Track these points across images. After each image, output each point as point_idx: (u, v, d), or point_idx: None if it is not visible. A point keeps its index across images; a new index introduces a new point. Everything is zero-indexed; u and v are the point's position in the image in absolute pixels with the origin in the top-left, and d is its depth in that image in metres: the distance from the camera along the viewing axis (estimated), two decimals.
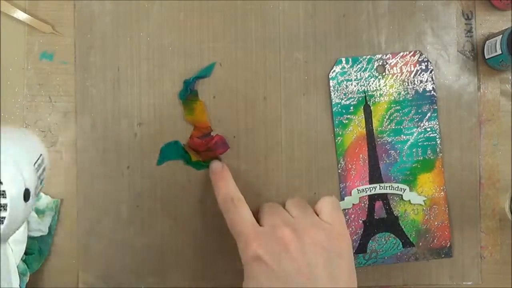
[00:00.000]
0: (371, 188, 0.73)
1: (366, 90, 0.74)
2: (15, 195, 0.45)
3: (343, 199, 0.73)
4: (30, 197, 0.47)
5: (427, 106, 0.74)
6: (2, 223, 0.45)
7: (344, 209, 0.73)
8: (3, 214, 0.45)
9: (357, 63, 0.74)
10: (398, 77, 0.74)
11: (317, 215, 0.64)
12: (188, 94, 0.72)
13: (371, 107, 0.74)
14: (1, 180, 0.45)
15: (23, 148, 0.49)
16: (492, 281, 0.75)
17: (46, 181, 0.72)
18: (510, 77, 0.76)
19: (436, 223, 0.74)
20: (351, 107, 0.73)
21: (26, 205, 0.47)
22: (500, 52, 0.70)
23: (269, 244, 0.59)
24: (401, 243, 0.74)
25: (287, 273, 0.58)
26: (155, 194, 0.73)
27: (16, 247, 0.69)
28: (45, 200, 0.72)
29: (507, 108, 0.76)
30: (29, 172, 0.48)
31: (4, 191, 0.45)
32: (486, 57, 0.74)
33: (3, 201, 0.45)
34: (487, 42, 0.74)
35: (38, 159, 0.50)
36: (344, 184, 0.74)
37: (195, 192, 0.73)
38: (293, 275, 0.58)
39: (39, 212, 0.71)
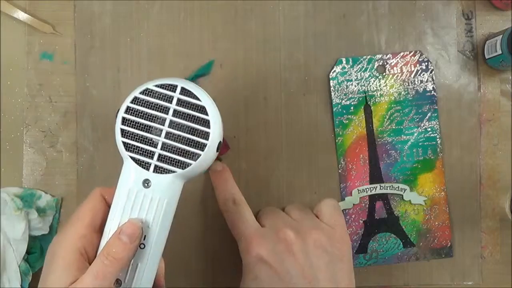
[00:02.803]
0: (371, 188, 0.73)
1: (366, 90, 0.74)
2: (213, 141, 0.53)
3: (344, 199, 0.73)
4: (218, 151, 0.54)
5: (428, 106, 0.74)
6: (195, 160, 0.52)
7: (345, 209, 0.73)
8: (199, 152, 0.52)
9: (358, 63, 0.74)
10: (399, 77, 0.74)
11: (317, 217, 0.64)
12: None
13: (372, 107, 0.74)
14: (210, 125, 0.52)
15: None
16: (493, 281, 0.75)
17: (46, 181, 0.72)
18: (510, 77, 0.76)
19: (436, 223, 0.74)
20: (352, 107, 0.73)
21: (214, 155, 0.54)
22: (500, 52, 0.70)
23: (272, 245, 0.59)
24: (401, 243, 0.74)
25: (290, 275, 0.58)
26: None
27: (18, 247, 0.69)
28: (45, 199, 0.72)
29: (507, 108, 0.76)
30: (222, 133, 0.55)
31: (208, 133, 0.52)
32: (486, 57, 0.74)
33: (204, 141, 0.52)
34: (487, 42, 0.74)
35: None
36: (344, 184, 0.74)
37: (196, 192, 0.73)
38: (295, 277, 0.58)
39: (40, 211, 0.71)
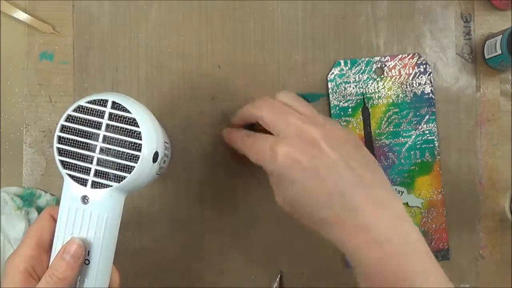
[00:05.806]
0: None
1: (364, 92, 0.73)
2: (147, 152, 0.53)
3: None
4: (157, 161, 0.54)
5: (426, 108, 0.74)
6: (130, 172, 0.52)
7: None
8: (133, 164, 0.52)
9: (356, 65, 0.74)
10: (397, 79, 0.74)
11: None
12: None
13: (370, 110, 0.73)
14: (142, 137, 0.52)
15: (159, 126, 0.56)
16: (492, 281, 0.75)
17: (46, 181, 0.73)
18: (510, 77, 0.76)
19: (433, 226, 0.74)
20: (350, 109, 0.73)
21: (152, 166, 0.54)
22: (500, 52, 0.70)
23: (300, 145, 0.56)
24: None
25: (324, 170, 0.56)
26: (153, 196, 0.73)
27: None
28: (45, 198, 0.72)
29: (507, 108, 0.76)
30: (161, 143, 0.55)
31: (140, 145, 0.52)
32: (486, 57, 0.74)
33: (137, 153, 0.52)
34: (487, 42, 0.74)
35: (167, 142, 0.58)
36: None
37: (193, 193, 0.73)
38: (328, 170, 0.55)
39: (40, 210, 0.72)
